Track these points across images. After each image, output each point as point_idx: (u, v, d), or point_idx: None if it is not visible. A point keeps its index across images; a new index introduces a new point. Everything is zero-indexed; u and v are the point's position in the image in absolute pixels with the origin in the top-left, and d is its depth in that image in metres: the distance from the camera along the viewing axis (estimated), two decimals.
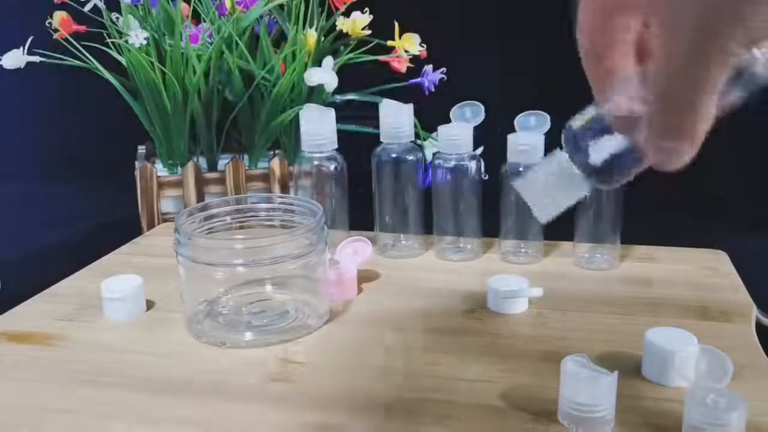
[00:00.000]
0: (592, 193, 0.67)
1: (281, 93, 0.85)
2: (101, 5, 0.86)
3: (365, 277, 0.68)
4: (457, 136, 0.69)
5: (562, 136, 0.33)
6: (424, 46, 0.87)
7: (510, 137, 0.69)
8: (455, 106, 0.72)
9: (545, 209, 0.35)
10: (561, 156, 0.33)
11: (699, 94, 0.27)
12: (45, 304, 0.65)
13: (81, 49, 0.85)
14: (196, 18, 0.89)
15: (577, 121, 0.33)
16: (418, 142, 0.84)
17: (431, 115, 0.78)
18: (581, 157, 0.33)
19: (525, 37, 0.90)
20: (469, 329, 0.57)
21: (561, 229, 0.72)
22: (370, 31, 0.86)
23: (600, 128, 0.32)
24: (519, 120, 0.69)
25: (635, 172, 0.33)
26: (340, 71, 0.83)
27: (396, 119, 0.71)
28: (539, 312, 0.60)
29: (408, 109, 0.71)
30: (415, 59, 0.87)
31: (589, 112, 0.33)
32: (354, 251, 0.66)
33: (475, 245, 0.74)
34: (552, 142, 0.68)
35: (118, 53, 0.87)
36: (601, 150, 0.32)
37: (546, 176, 0.34)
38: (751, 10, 0.25)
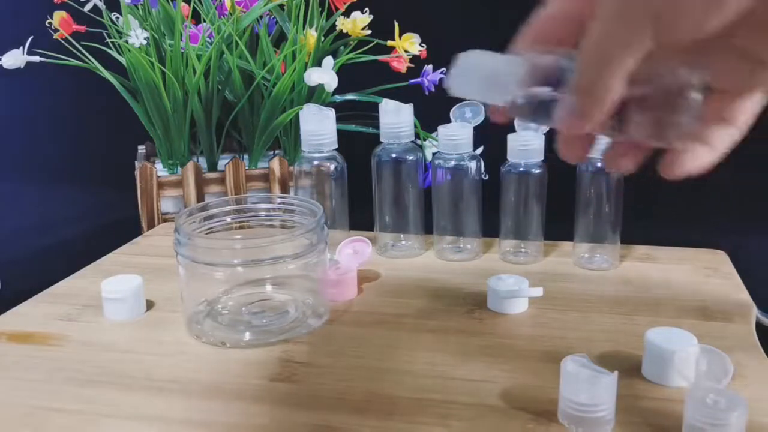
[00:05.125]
0: (593, 193, 0.67)
1: (281, 93, 0.85)
2: (101, 5, 0.86)
3: (365, 277, 0.68)
4: (457, 136, 0.69)
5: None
6: (424, 46, 0.87)
7: (510, 137, 0.69)
8: (455, 106, 0.72)
9: (462, 86, 0.36)
10: (519, 66, 0.34)
11: (607, 67, 0.30)
12: (45, 304, 0.65)
13: (81, 49, 0.85)
14: (196, 18, 0.89)
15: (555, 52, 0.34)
16: (418, 142, 0.84)
17: (431, 115, 0.78)
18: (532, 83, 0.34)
19: None
20: (469, 329, 0.57)
21: (561, 229, 0.72)
22: (370, 31, 0.86)
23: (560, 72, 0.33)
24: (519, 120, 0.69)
25: (550, 120, 0.34)
26: (340, 71, 0.83)
27: (396, 119, 0.71)
28: (539, 312, 0.60)
29: (408, 109, 0.71)
30: (415, 59, 0.87)
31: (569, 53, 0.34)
32: (354, 251, 0.66)
33: (475, 245, 0.74)
34: (552, 142, 0.68)
35: (118, 53, 0.88)
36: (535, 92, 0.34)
37: (494, 68, 0.35)
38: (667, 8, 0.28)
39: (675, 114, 0.31)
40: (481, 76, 0.35)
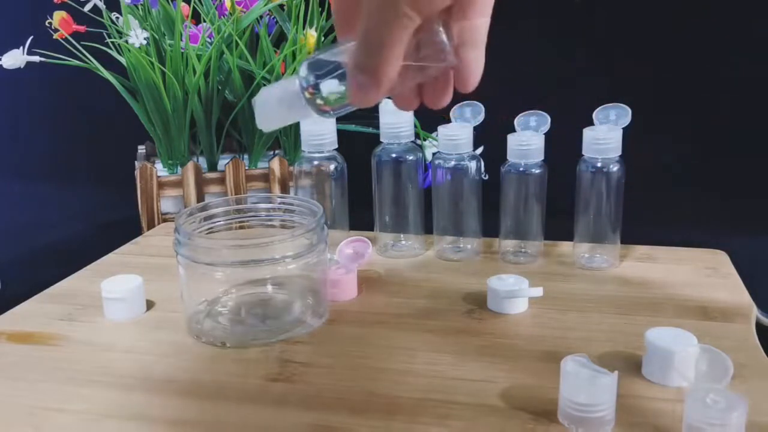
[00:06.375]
0: (593, 193, 0.67)
1: None
2: (101, 5, 0.86)
3: (365, 277, 0.68)
4: (457, 136, 0.69)
5: (302, 64, 0.38)
6: None
7: (510, 137, 0.69)
8: (455, 106, 0.72)
9: (268, 122, 0.40)
10: (295, 81, 0.38)
11: (386, 41, 0.34)
12: (45, 304, 0.65)
13: (81, 49, 0.85)
14: (196, 18, 0.89)
15: (318, 53, 0.38)
16: (418, 142, 0.84)
17: (431, 115, 0.78)
18: (311, 83, 0.38)
19: (525, 37, 0.90)
20: (469, 329, 0.57)
21: (561, 229, 0.72)
22: None
23: (333, 63, 0.37)
24: (519, 120, 0.69)
25: (347, 104, 0.38)
26: None
27: (396, 119, 0.71)
28: (539, 312, 0.60)
29: None
30: None
31: (330, 48, 0.38)
32: (354, 251, 0.66)
33: (475, 245, 0.74)
34: (552, 142, 0.68)
35: (118, 53, 0.88)
36: (326, 79, 0.37)
37: (279, 94, 0.39)
38: None
39: (438, 48, 0.35)
40: (274, 106, 0.39)
